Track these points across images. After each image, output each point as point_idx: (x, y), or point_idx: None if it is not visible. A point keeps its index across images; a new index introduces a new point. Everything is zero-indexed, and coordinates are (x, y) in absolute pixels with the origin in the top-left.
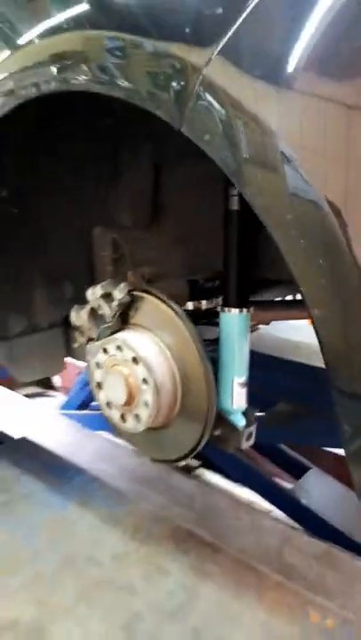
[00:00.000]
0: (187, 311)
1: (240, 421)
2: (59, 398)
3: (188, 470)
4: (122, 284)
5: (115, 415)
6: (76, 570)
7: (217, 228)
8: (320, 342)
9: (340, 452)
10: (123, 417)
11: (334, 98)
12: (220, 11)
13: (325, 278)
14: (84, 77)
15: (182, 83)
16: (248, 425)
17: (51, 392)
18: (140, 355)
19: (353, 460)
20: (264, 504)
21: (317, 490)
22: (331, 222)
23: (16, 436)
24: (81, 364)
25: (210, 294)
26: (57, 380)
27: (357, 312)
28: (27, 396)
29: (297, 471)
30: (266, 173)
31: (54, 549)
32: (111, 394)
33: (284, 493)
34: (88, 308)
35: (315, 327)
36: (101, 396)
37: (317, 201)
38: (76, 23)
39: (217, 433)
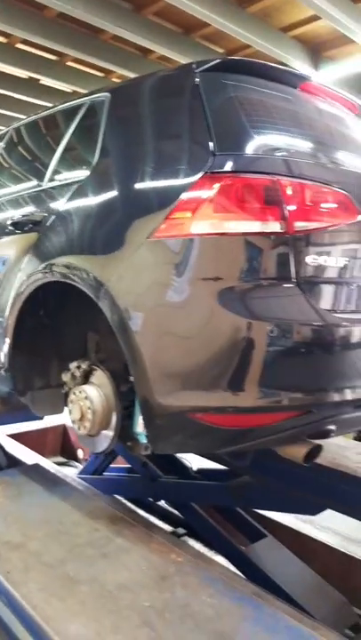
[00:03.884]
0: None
1: (143, 439)
2: (80, 468)
3: (177, 536)
4: (86, 361)
5: (76, 426)
6: (55, 516)
7: None
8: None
9: (299, 527)
10: (79, 427)
11: None
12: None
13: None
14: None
15: (98, 285)
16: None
17: (73, 462)
18: (89, 395)
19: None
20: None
21: (270, 555)
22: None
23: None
24: None
25: None
26: (80, 453)
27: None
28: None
29: (252, 535)
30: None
31: (43, 518)
32: (74, 414)
33: (242, 554)
34: (70, 372)
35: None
36: (70, 417)
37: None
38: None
39: (129, 444)
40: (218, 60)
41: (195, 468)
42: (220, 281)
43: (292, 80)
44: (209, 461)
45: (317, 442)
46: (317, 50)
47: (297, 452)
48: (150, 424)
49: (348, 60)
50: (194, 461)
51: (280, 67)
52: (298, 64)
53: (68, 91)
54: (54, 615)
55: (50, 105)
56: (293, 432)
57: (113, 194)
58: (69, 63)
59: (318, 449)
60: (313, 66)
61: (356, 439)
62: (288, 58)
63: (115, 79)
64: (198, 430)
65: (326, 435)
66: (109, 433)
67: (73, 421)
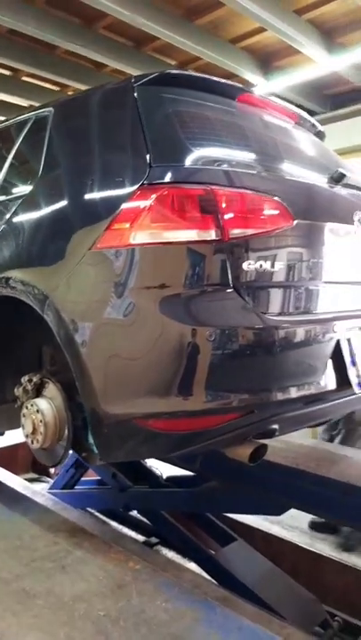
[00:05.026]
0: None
1: (95, 450)
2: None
3: (150, 546)
4: (38, 374)
5: (29, 440)
6: (14, 531)
7: None
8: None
9: (269, 529)
10: (32, 441)
11: None
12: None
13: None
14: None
15: (44, 298)
16: None
17: (45, 478)
18: (40, 408)
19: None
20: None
21: (240, 558)
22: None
23: None
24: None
25: None
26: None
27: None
28: (26, 479)
29: (223, 539)
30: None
31: (1, 534)
32: (27, 429)
33: (212, 559)
34: (22, 386)
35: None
36: (24, 431)
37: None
38: None
39: (84, 455)
40: (155, 74)
41: (164, 476)
42: (161, 289)
43: (230, 92)
44: (179, 469)
45: (264, 441)
46: (267, 60)
47: (243, 452)
48: (98, 434)
49: (297, 69)
50: (163, 469)
51: (218, 79)
52: (248, 74)
53: (25, 105)
54: (7, 630)
55: (4, 119)
56: (238, 433)
57: (55, 206)
58: (24, 78)
59: (263, 448)
60: (263, 76)
61: (328, 441)
62: (238, 68)
63: (71, 92)
64: (147, 436)
65: (271, 434)
66: (62, 445)
67: (26, 435)
